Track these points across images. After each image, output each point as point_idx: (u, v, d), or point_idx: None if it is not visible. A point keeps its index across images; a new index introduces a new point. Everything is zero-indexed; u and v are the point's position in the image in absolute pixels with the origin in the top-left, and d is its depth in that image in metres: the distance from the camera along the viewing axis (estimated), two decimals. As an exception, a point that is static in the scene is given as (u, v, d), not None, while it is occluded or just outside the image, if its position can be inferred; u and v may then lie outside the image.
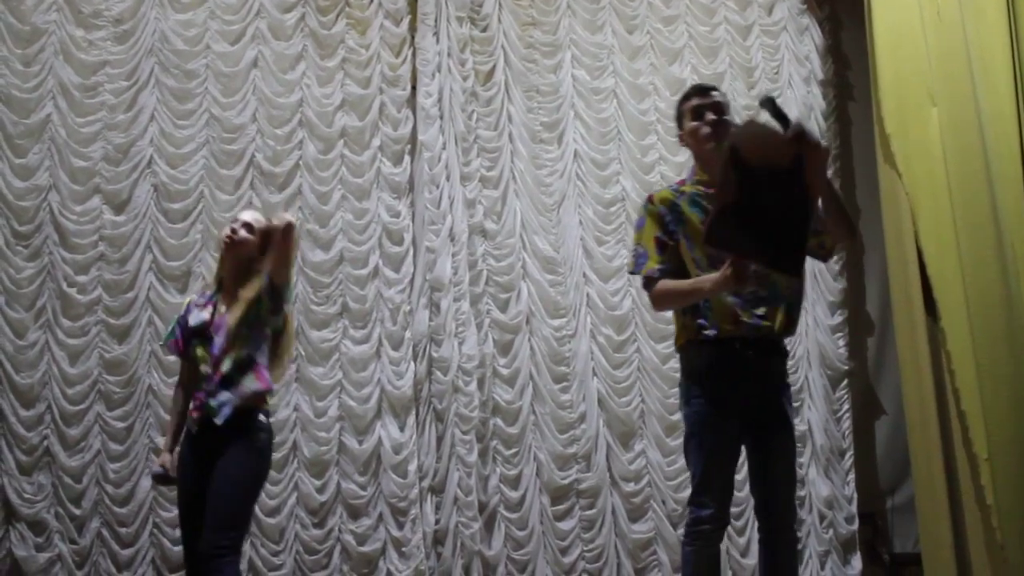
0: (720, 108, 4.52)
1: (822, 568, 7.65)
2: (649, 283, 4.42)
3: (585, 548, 7.44)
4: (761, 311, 4.35)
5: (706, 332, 4.35)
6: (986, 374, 7.22)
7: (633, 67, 8.20)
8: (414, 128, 7.83)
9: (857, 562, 7.69)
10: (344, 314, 7.51)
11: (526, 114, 8.03)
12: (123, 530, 7.00)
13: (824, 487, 7.73)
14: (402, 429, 7.34)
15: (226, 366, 4.79)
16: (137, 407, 7.16)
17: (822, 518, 7.70)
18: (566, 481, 7.49)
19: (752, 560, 7.53)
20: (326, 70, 7.83)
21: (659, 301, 4.48)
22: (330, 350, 7.42)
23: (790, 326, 4.47)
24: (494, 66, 8.04)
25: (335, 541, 7.17)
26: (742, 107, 8.15)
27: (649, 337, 7.77)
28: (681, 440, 7.48)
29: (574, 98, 8.07)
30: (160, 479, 5.02)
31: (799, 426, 7.79)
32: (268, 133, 7.65)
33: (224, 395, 4.75)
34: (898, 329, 7.68)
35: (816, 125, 8.22)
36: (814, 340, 7.94)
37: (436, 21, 7.95)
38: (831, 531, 7.69)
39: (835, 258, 8.09)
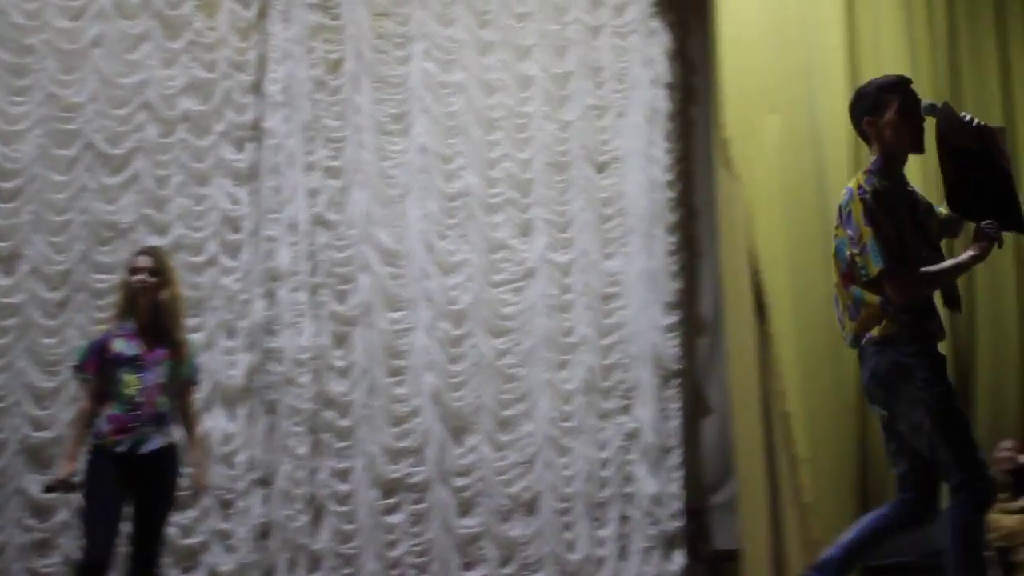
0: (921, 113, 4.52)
1: (646, 564, 7.81)
2: (898, 270, 4.25)
3: (413, 542, 7.50)
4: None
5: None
6: (810, 377, 7.48)
7: (483, 62, 8.22)
8: (259, 115, 7.74)
9: (680, 558, 7.87)
10: (178, 301, 7.43)
11: (373, 105, 8.00)
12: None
13: (651, 484, 7.88)
14: (232, 420, 7.31)
15: (161, 404, 5.44)
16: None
17: (648, 514, 7.85)
18: (396, 475, 7.54)
19: (578, 556, 7.68)
20: (171, 52, 7.68)
21: (916, 288, 4.29)
22: (163, 338, 7.34)
23: None
24: (343, 55, 7.98)
25: (158, 533, 7.14)
26: (588, 107, 8.27)
27: (486, 332, 7.85)
28: (511, 436, 7.69)
29: (422, 91, 8.06)
30: (63, 487, 5.42)
31: (629, 424, 7.97)
32: (107, 114, 7.49)
33: (153, 429, 5.39)
34: (728, 331, 7.88)
35: (661, 126, 8.34)
36: (647, 340, 8.06)
37: (286, 7, 7.85)
38: (656, 527, 7.85)
39: (671, 259, 8.26)
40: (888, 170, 4.38)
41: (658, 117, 8.37)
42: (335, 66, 7.99)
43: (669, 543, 7.86)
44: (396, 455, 7.58)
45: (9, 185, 7.28)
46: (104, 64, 7.55)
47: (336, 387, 7.55)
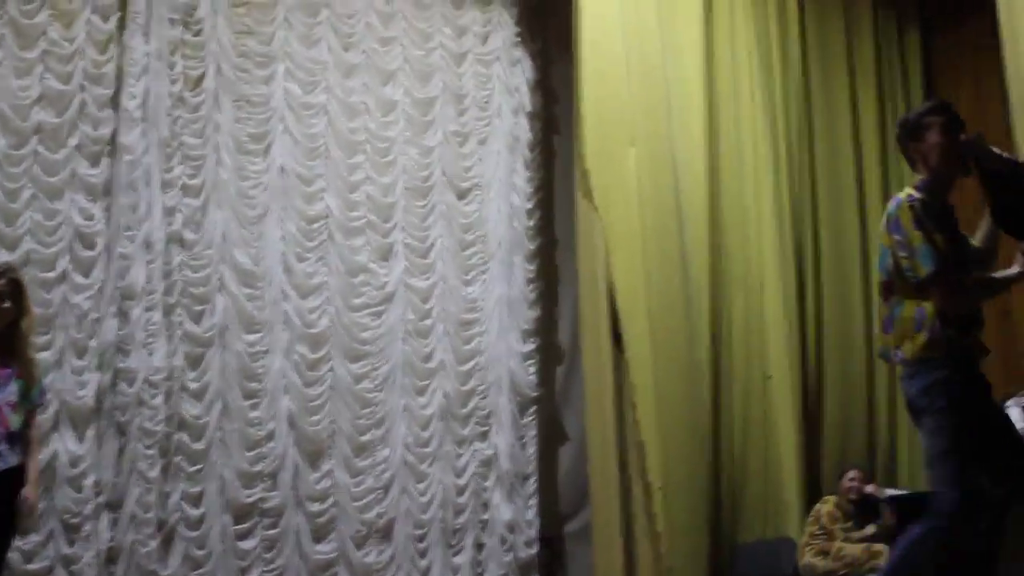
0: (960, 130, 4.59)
1: (499, 592, 7.85)
2: (946, 276, 4.36)
3: (265, 568, 7.38)
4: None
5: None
6: (664, 407, 7.58)
7: (346, 85, 8.19)
8: (115, 129, 7.55)
9: (534, 585, 7.92)
10: (26, 318, 7.19)
11: (234, 124, 7.90)
12: None
13: (507, 511, 7.93)
14: (81, 441, 7.09)
15: (15, 423, 5.32)
16: None
17: (503, 541, 7.88)
18: (250, 499, 7.42)
19: None
20: (25, 61, 7.45)
21: (965, 298, 4.42)
22: (8, 355, 7.10)
23: None
24: (204, 72, 7.86)
25: None
26: (450, 133, 8.29)
27: (344, 356, 7.78)
28: (367, 461, 7.63)
29: (284, 111, 7.99)
30: None
31: (486, 450, 7.98)
32: (-45, 124, 7.25)
33: (6, 447, 5.29)
34: (585, 359, 7.93)
35: (522, 155, 8.41)
36: (506, 367, 8.12)
37: (146, 21, 7.69)
38: (511, 554, 7.89)
39: (530, 287, 8.32)
40: (934, 189, 4.49)
41: (520, 146, 8.47)
42: (196, 83, 7.86)
43: (524, 570, 7.92)
44: (250, 479, 7.46)
45: None
46: (-47, 72, 7.30)
47: (189, 409, 7.40)
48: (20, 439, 5.39)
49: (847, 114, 8.80)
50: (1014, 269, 4.52)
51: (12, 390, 5.37)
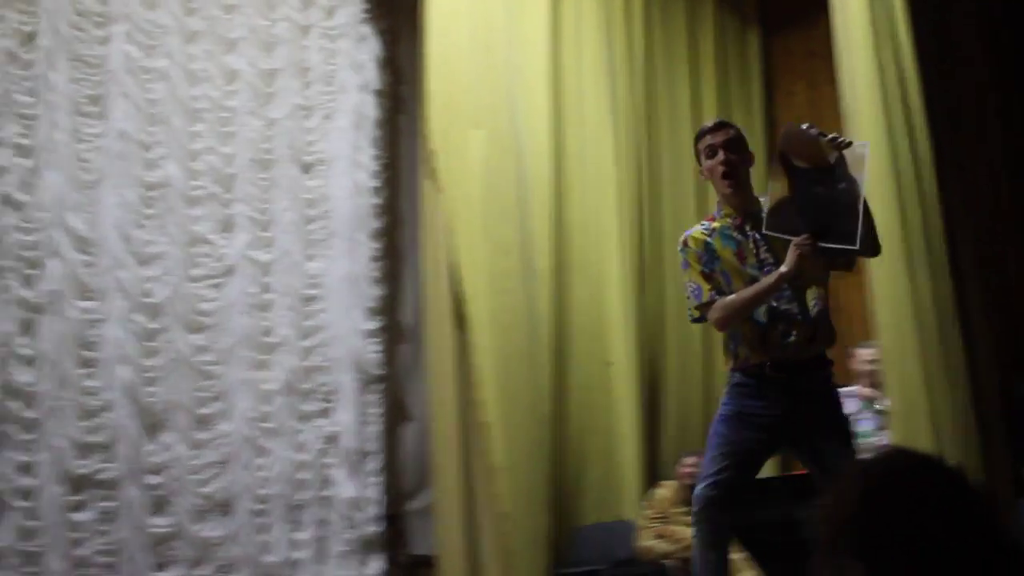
0: (734, 144, 4.57)
1: (342, 568, 7.70)
2: (706, 308, 4.54)
3: (101, 541, 7.07)
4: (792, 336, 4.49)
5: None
6: (506, 389, 7.61)
7: (188, 51, 7.95)
8: (-58, 85, 7.17)
9: (377, 562, 7.82)
10: None
11: (69, 84, 7.55)
12: None
13: (349, 488, 7.80)
14: (-95, 408, 6.69)
15: None
16: None
17: (346, 518, 7.75)
18: (85, 471, 7.10)
19: (274, 558, 7.50)
20: None
21: (723, 318, 4.50)
22: None
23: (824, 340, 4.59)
24: (37, 29, 7.51)
25: None
26: (295, 106, 8.15)
27: (183, 328, 7.54)
28: (207, 435, 7.42)
29: (123, 74, 7.69)
30: None
31: (328, 427, 7.85)
32: None
33: None
34: (429, 339, 7.90)
35: (366, 133, 8.33)
36: (349, 344, 8.00)
37: (-25, -29, 7.33)
38: (354, 532, 7.76)
39: (374, 265, 8.24)
40: (720, 213, 4.68)
41: (365, 123, 8.37)
42: (28, 39, 7.50)
43: (367, 547, 7.80)
44: (85, 450, 7.14)
45: None
46: None
47: (22, 376, 7.04)
48: None
49: (688, 110, 9.05)
50: (773, 273, 4.49)
51: None
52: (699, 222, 4.79)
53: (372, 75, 8.44)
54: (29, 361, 7.10)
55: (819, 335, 4.54)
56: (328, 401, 7.91)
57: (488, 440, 7.53)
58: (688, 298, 4.64)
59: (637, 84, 8.72)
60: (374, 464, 7.95)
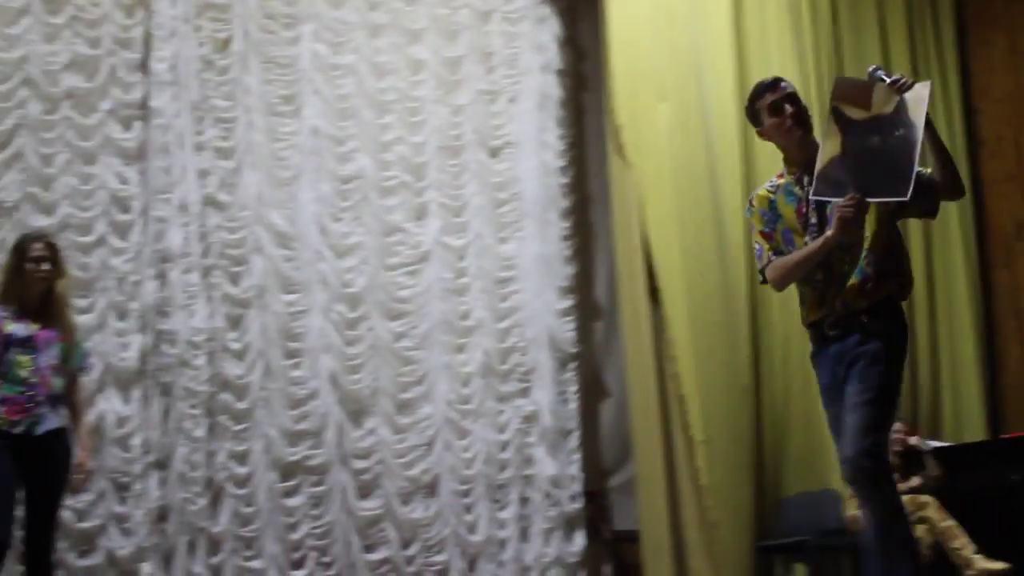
0: (795, 98, 4.47)
1: (547, 545, 7.81)
2: (765, 269, 4.48)
3: (313, 525, 7.36)
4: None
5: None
6: (704, 361, 7.58)
7: (374, 45, 8.14)
8: (146, 93, 7.51)
9: (580, 539, 7.89)
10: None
11: (263, 85, 7.84)
12: None
13: (550, 466, 7.89)
14: (127, 402, 7.09)
15: (56, 386, 5.42)
16: None
17: (547, 496, 7.86)
18: (295, 458, 7.39)
19: (479, 537, 7.67)
20: (53, 26, 7.40)
21: (779, 279, 4.44)
22: (52, 319, 7.07)
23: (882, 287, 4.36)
24: (231, 34, 7.81)
25: (52, 517, 6.85)
26: (479, 92, 8.25)
27: (382, 315, 7.76)
28: (410, 419, 7.63)
29: (312, 72, 7.93)
30: None
31: (527, 407, 7.96)
32: (-13, 89, 7.21)
33: (48, 410, 5.37)
34: (624, 315, 7.94)
35: (553, 113, 8.39)
36: (544, 324, 8.07)
37: (172, -16, 7.65)
38: (556, 509, 7.86)
39: (565, 244, 8.29)
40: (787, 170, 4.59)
41: (549, 103, 8.41)
42: (223, 45, 7.81)
43: (569, 524, 7.87)
44: (294, 437, 7.43)
45: None
46: (-17, 39, 7.25)
47: (232, 369, 7.36)
48: (62, 402, 5.47)
49: (876, 56, 8.71)
50: (821, 237, 4.29)
51: (54, 353, 5.44)
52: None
53: (554, 55, 8.46)
54: (238, 354, 7.43)
55: (872, 287, 4.30)
56: (526, 381, 8.01)
57: (687, 412, 7.53)
58: (759, 263, 4.54)
59: (823, 42, 8.47)
60: (574, 441, 8.02)
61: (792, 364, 7.84)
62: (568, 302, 8.21)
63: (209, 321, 7.34)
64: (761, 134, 4.59)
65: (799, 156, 4.44)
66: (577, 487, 7.94)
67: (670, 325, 7.63)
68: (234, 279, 7.52)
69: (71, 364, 5.56)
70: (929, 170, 4.28)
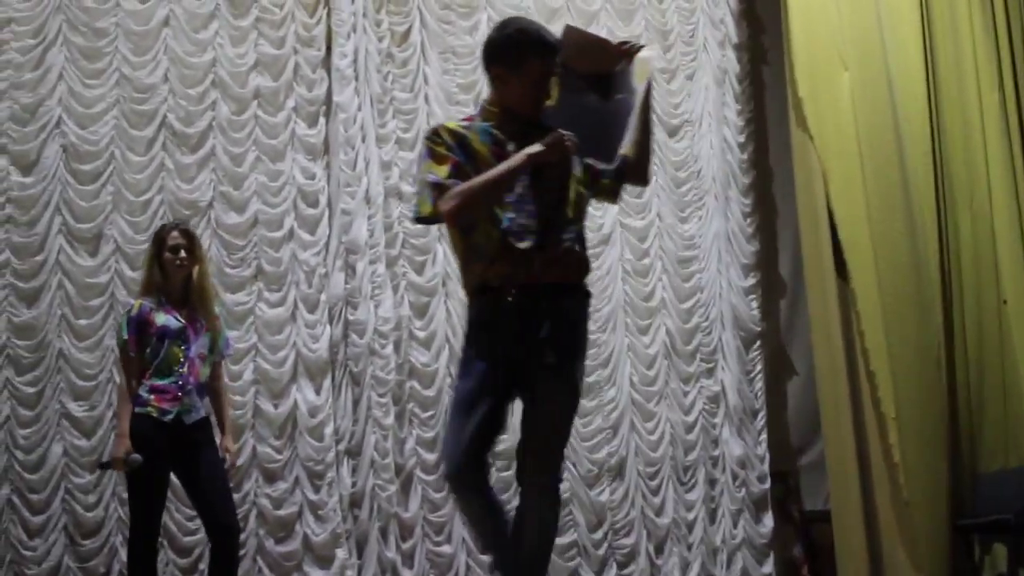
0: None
1: (735, 526, 7.79)
2: (441, 190, 3.70)
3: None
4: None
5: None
6: (894, 335, 7.38)
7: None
8: (329, 89, 7.71)
9: (769, 520, 7.85)
10: (259, 277, 7.41)
11: (442, 76, 7.98)
12: (34, 496, 6.84)
13: (737, 447, 7.87)
14: (318, 392, 7.29)
15: (203, 375, 5.57)
16: (47, 372, 6.99)
17: (735, 477, 7.83)
18: (483, 444, 7.50)
19: (666, 519, 7.69)
20: (239, 29, 7.67)
21: (459, 206, 3.67)
22: (245, 313, 7.32)
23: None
24: (410, 27, 7.96)
25: (251, 505, 7.09)
26: (658, 70, 8.18)
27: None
28: (596, 402, 7.65)
29: (491, 60, 8.00)
30: (120, 465, 5.39)
31: (712, 387, 7.91)
32: (180, 93, 7.49)
33: (197, 399, 5.52)
34: (809, 291, 7.80)
35: (731, 88, 8.29)
36: (727, 302, 8.04)
37: (350, -19, 7.80)
38: (744, 490, 7.83)
39: (747, 221, 8.18)
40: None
41: (728, 79, 8.34)
42: (402, 38, 7.97)
43: (757, 505, 7.84)
44: (481, 424, 7.53)
45: (88, 167, 7.28)
46: (175, 44, 7.55)
47: (419, 357, 7.54)
48: (205, 390, 5.63)
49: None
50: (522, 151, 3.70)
51: (203, 342, 5.60)
52: None
53: (731, 29, 8.36)
54: (425, 342, 7.59)
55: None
56: (710, 361, 7.97)
57: (878, 389, 7.37)
58: (416, 198, 3.89)
59: (1015, 19, 8.07)
60: (760, 421, 7.95)
61: (987, 335, 7.59)
62: (752, 280, 8.15)
63: (396, 310, 7.51)
64: (499, 76, 3.87)
65: (527, 109, 3.84)
66: (764, 467, 7.89)
67: (858, 299, 7.47)
68: (419, 268, 7.68)
69: (216, 352, 5.72)
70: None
